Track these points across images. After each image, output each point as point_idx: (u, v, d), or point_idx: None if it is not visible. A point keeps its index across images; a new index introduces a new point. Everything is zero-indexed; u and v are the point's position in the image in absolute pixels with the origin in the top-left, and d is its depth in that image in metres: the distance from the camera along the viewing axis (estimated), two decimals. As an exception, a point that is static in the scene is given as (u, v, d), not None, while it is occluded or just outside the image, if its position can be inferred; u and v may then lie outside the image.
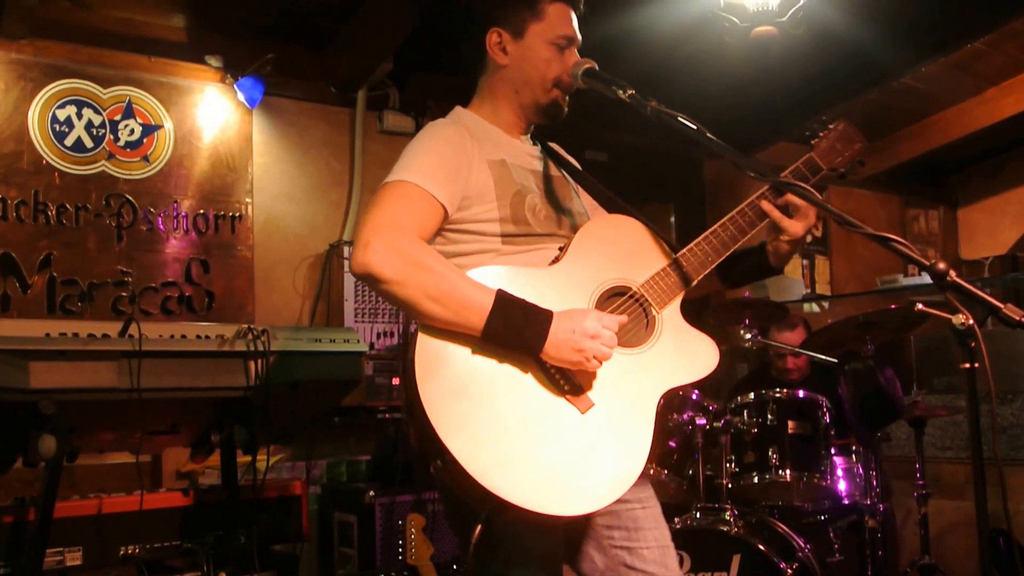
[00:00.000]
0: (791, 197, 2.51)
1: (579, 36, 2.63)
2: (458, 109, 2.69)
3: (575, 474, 2.22)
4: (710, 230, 2.58)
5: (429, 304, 2.20)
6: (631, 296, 2.47)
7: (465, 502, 2.24)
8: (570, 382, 2.30)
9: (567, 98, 2.64)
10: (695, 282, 2.53)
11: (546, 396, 2.28)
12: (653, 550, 2.56)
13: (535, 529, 2.25)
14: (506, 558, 2.35)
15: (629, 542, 2.55)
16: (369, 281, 2.23)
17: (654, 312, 2.48)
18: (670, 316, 2.50)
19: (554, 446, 2.23)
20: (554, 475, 2.20)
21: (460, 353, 2.24)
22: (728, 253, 2.56)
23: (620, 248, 2.52)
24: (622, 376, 2.36)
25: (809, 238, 8.85)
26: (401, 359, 2.36)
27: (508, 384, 2.25)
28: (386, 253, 2.20)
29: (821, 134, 2.77)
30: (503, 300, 2.23)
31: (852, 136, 2.78)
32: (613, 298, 2.46)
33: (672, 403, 4.60)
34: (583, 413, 2.29)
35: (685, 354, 2.48)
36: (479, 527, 2.34)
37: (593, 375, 2.32)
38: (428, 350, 2.22)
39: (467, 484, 2.13)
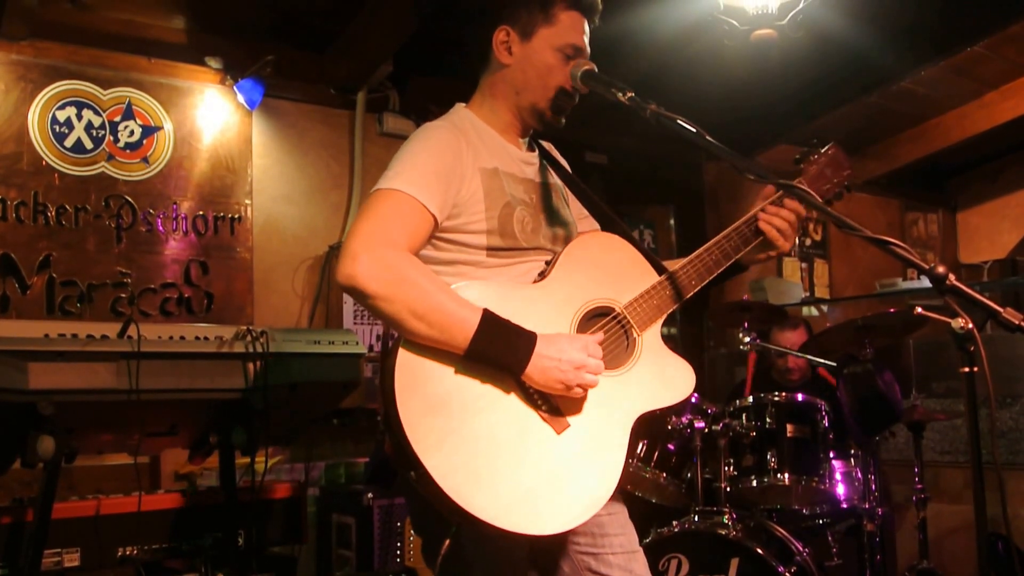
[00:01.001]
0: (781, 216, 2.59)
1: (588, 49, 2.59)
2: (458, 107, 2.66)
3: (547, 494, 2.22)
4: (696, 254, 2.58)
5: (414, 321, 2.18)
6: (613, 317, 2.46)
7: (436, 513, 2.23)
8: (548, 403, 2.29)
9: (567, 109, 2.61)
10: (677, 306, 2.54)
11: (523, 416, 2.27)
12: (619, 555, 2.56)
13: (501, 541, 2.24)
14: (470, 567, 2.36)
15: (594, 548, 2.55)
16: (354, 294, 2.21)
17: (635, 334, 2.46)
18: (650, 339, 2.49)
19: (528, 466, 2.22)
20: (526, 494, 2.19)
21: (441, 370, 2.23)
22: (711, 277, 2.58)
23: (605, 267, 2.50)
24: (599, 398, 2.35)
25: (808, 241, 8.87)
26: (380, 365, 2.33)
27: (486, 402, 2.24)
28: (373, 267, 2.17)
29: (812, 158, 2.76)
30: (488, 320, 2.22)
31: (841, 162, 2.77)
32: (596, 318, 2.45)
33: (666, 411, 4.59)
34: (559, 434, 2.28)
35: (662, 378, 2.47)
36: (447, 541, 2.35)
37: (573, 397, 2.32)
38: (409, 365, 2.20)
39: (440, 498, 2.13)
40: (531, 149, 2.72)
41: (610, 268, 2.51)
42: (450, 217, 2.41)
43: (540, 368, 2.24)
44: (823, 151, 2.77)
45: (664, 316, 2.52)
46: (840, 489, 4.78)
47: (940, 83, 7.44)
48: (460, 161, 2.43)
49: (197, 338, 3.50)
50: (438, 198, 2.35)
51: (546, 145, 2.81)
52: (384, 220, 2.27)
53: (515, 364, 2.24)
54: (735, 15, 5.11)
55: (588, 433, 2.32)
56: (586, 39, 2.59)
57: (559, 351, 2.25)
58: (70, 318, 5.22)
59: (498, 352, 2.22)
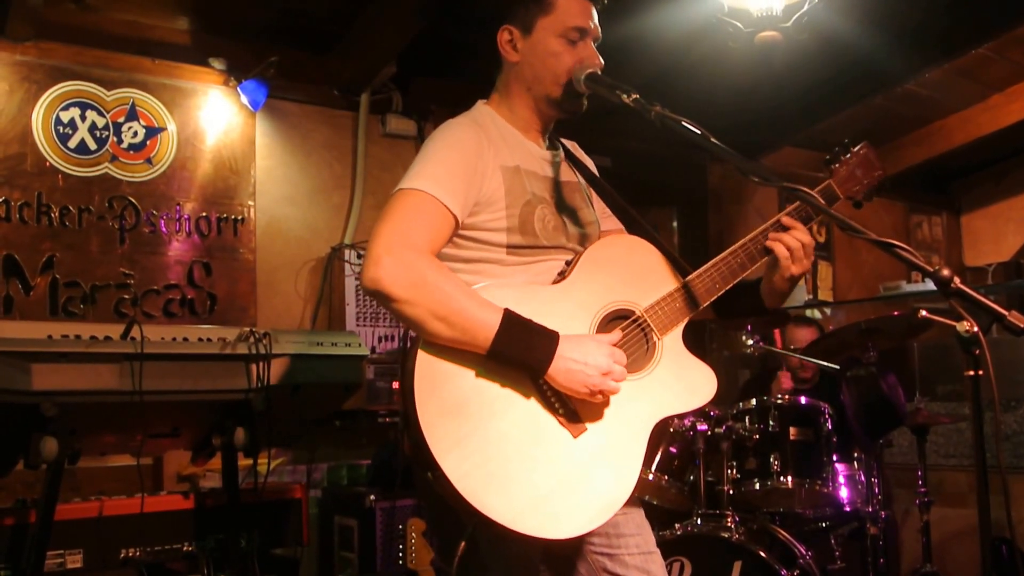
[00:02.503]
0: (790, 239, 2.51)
1: (594, 26, 2.58)
2: (479, 105, 2.67)
3: (562, 498, 2.22)
4: (719, 257, 2.55)
5: (436, 323, 2.20)
6: (634, 321, 2.45)
7: (453, 514, 2.24)
8: (565, 406, 2.29)
9: (584, 92, 2.58)
10: (699, 310, 2.52)
11: (540, 419, 2.27)
12: (635, 556, 2.55)
13: (517, 543, 2.24)
14: (484, 565, 2.37)
15: (610, 548, 2.55)
16: (378, 298, 2.23)
17: (655, 338, 2.46)
18: (671, 343, 2.48)
19: (544, 469, 2.23)
20: (541, 498, 2.20)
21: (459, 372, 2.24)
22: (735, 282, 2.55)
23: (627, 270, 2.49)
24: (618, 402, 2.34)
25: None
26: (400, 366, 2.36)
27: (504, 405, 2.24)
28: (396, 271, 2.19)
29: (842, 158, 2.72)
30: (510, 320, 2.23)
31: (872, 162, 2.73)
32: (616, 321, 2.44)
33: (669, 421, 4.58)
34: (575, 437, 2.28)
35: (682, 383, 2.46)
36: (463, 544, 2.36)
37: (591, 401, 2.31)
38: (428, 366, 2.22)
39: (456, 500, 2.14)
40: (553, 148, 2.72)
41: (632, 270, 2.50)
42: (471, 215, 2.42)
43: (564, 370, 2.24)
44: (855, 151, 2.73)
45: (686, 320, 2.51)
46: (843, 492, 4.78)
47: (945, 86, 7.43)
48: (481, 158, 2.44)
49: (200, 339, 3.51)
50: (459, 197, 2.36)
51: (569, 144, 2.81)
52: (405, 222, 2.28)
53: (537, 364, 2.24)
54: (739, 18, 5.10)
55: (605, 437, 2.32)
56: (591, 20, 2.58)
57: (585, 354, 2.25)
58: (73, 319, 5.21)
59: (520, 352, 2.23)
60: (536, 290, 2.40)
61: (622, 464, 2.32)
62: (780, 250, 2.50)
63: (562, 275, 2.48)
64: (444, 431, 2.16)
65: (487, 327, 2.20)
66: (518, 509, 2.16)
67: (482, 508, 2.13)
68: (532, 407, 2.27)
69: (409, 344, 2.30)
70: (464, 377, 2.24)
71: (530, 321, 2.26)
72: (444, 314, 2.19)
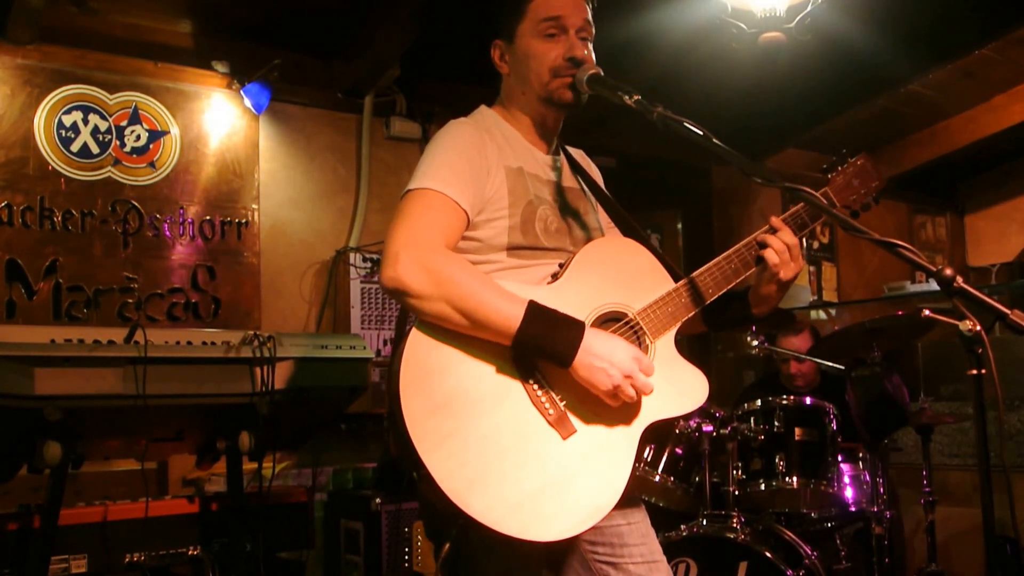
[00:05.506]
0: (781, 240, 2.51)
1: (575, 17, 2.56)
2: (482, 109, 2.68)
3: (549, 500, 2.20)
4: (713, 262, 2.54)
5: (459, 318, 2.20)
6: (626, 323, 2.44)
7: (440, 514, 2.22)
8: (555, 407, 2.28)
9: (571, 84, 2.55)
10: (692, 314, 2.50)
11: (529, 419, 2.25)
12: (639, 565, 2.54)
13: (513, 546, 2.22)
14: (480, 570, 2.34)
15: (613, 557, 2.54)
16: (398, 296, 2.24)
17: (648, 341, 2.44)
18: (663, 346, 2.46)
19: (531, 470, 2.20)
20: (527, 499, 2.18)
21: (446, 369, 2.22)
22: (728, 287, 2.54)
23: (620, 272, 2.48)
24: (608, 405, 2.32)
25: (816, 244, 8.85)
26: (392, 351, 2.33)
27: (492, 405, 2.22)
28: (414, 268, 2.20)
29: (839, 168, 2.71)
30: (534, 311, 2.22)
31: (870, 173, 2.72)
32: (608, 323, 2.43)
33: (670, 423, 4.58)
34: (564, 440, 2.26)
35: (674, 386, 2.43)
36: (447, 545, 2.34)
37: (581, 402, 2.30)
38: (415, 364, 2.20)
39: (441, 500, 2.12)
40: (556, 154, 2.72)
41: (625, 273, 2.49)
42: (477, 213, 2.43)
43: (587, 365, 2.23)
44: (852, 161, 2.72)
45: (679, 324, 2.48)
46: (848, 492, 4.78)
47: (948, 86, 7.43)
48: (485, 157, 2.45)
49: (204, 343, 3.51)
50: (468, 194, 2.37)
51: (575, 152, 2.81)
52: (419, 220, 2.29)
53: (562, 355, 2.23)
54: (743, 18, 5.10)
55: (595, 440, 2.30)
56: (570, 11, 2.56)
57: (610, 352, 2.24)
58: (77, 323, 5.21)
59: (544, 343, 2.22)
60: (528, 291, 2.38)
61: (611, 467, 2.30)
62: (770, 255, 2.50)
63: (554, 277, 2.47)
64: (429, 429, 2.14)
65: (511, 319, 2.20)
66: (503, 510, 2.14)
67: (466, 508, 2.11)
68: (520, 407, 2.25)
69: (407, 327, 2.28)
70: (451, 375, 2.22)
71: (555, 311, 2.25)
72: (465, 307, 2.19)
